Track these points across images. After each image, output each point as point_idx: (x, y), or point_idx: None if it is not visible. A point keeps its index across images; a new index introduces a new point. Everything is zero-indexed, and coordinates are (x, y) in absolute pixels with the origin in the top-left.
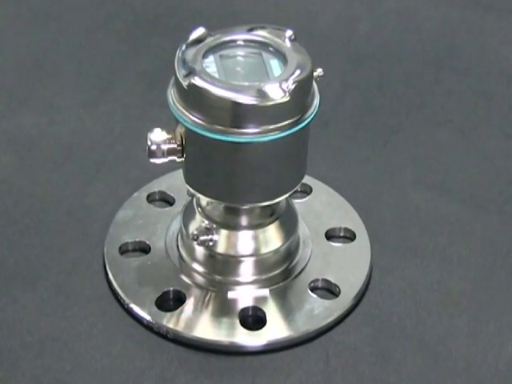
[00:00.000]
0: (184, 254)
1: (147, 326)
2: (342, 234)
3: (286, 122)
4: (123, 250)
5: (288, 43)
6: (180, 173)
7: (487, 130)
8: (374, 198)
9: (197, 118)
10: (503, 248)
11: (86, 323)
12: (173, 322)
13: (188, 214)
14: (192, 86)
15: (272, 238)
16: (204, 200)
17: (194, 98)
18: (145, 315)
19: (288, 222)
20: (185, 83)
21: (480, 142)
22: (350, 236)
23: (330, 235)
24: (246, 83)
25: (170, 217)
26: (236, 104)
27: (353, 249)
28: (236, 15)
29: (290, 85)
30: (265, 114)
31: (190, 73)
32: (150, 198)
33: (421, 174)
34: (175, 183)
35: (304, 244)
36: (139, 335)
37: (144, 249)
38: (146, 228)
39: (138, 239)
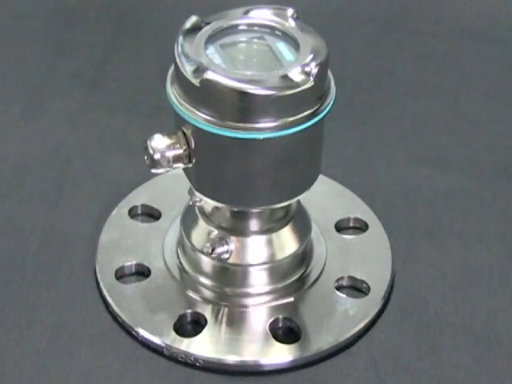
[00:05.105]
0: (190, 270)
1: (170, 357)
2: (352, 225)
3: (307, 113)
4: (119, 276)
5: (292, 23)
6: (159, 181)
7: (466, 93)
8: (370, 181)
9: (209, 116)
10: None
11: (100, 365)
12: (199, 347)
13: (189, 225)
14: (206, 82)
15: (287, 241)
16: (209, 206)
17: (208, 94)
18: (166, 345)
19: (301, 221)
20: (196, 80)
21: (462, 105)
22: (361, 226)
23: (340, 227)
24: (265, 72)
25: (160, 231)
26: (255, 96)
27: (368, 239)
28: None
29: (313, 68)
30: (290, 103)
31: (198, 67)
32: (132, 214)
33: (412, 149)
34: (155, 193)
35: (317, 242)
36: (164, 368)
37: (142, 271)
38: (138, 248)
39: (133, 262)
